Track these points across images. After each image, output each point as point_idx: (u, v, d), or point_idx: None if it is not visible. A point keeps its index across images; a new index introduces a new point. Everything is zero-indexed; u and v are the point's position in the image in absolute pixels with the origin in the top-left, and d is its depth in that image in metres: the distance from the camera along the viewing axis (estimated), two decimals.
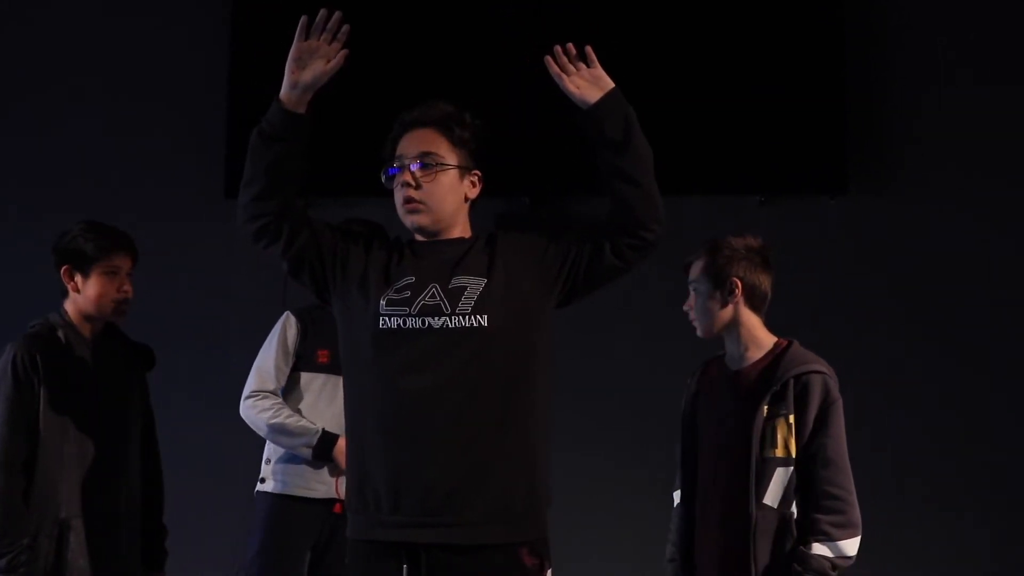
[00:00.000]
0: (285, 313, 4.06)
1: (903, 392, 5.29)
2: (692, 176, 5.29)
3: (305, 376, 3.98)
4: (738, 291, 3.12)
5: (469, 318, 2.77)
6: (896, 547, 5.08)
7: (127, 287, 3.40)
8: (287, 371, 3.99)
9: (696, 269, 3.19)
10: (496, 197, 5.69)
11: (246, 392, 3.98)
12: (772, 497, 2.97)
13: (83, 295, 3.36)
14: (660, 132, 5.34)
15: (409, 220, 2.91)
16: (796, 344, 3.13)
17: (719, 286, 3.13)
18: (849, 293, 5.39)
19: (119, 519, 3.35)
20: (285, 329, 4.01)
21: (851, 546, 2.93)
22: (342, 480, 3.87)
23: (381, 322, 2.78)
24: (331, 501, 3.96)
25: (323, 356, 3.98)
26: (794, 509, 2.98)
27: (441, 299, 2.79)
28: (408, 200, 2.89)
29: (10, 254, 5.57)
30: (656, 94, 5.32)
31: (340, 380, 3.90)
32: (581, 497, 5.09)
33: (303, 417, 3.93)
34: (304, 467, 3.92)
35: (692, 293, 3.21)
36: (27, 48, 5.67)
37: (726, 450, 3.06)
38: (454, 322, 2.77)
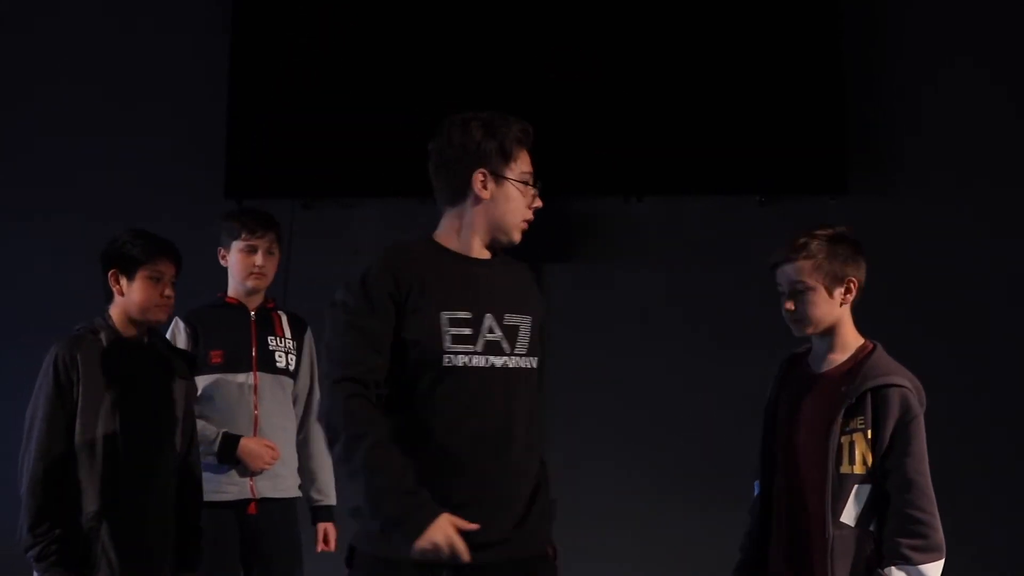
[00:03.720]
0: (174, 319, 3.96)
1: None
2: (692, 176, 5.30)
3: (200, 380, 3.88)
4: (854, 290, 2.94)
5: (525, 359, 2.86)
6: None
7: (169, 292, 3.53)
8: None
9: (806, 268, 2.91)
10: None
11: None
12: (850, 516, 2.83)
13: (127, 298, 3.48)
14: (660, 132, 5.39)
15: (520, 236, 2.96)
16: (880, 350, 2.95)
17: (836, 285, 2.92)
18: None
19: (148, 518, 3.43)
20: (175, 336, 3.95)
21: (934, 570, 2.79)
22: (256, 480, 3.88)
23: (446, 360, 2.77)
24: (246, 502, 3.89)
25: (216, 357, 3.93)
26: (873, 527, 2.85)
27: (502, 336, 2.83)
28: (528, 220, 2.97)
29: (9, 254, 5.59)
30: (656, 94, 5.34)
31: (235, 377, 3.90)
32: (581, 498, 5.10)
33: (204, 422, 3.84)
34: (212, 472, 3.83)
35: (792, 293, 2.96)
36: (28, 50, 5.67)
37: (799, 461, 2.92)
38: (513, 363, 2.83)
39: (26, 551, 3.28)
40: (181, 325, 3.97)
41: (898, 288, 5.34)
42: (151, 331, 3.58)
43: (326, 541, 4.08)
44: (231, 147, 5.40)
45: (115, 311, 3.50)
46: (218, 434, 3.85)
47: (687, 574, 5.03)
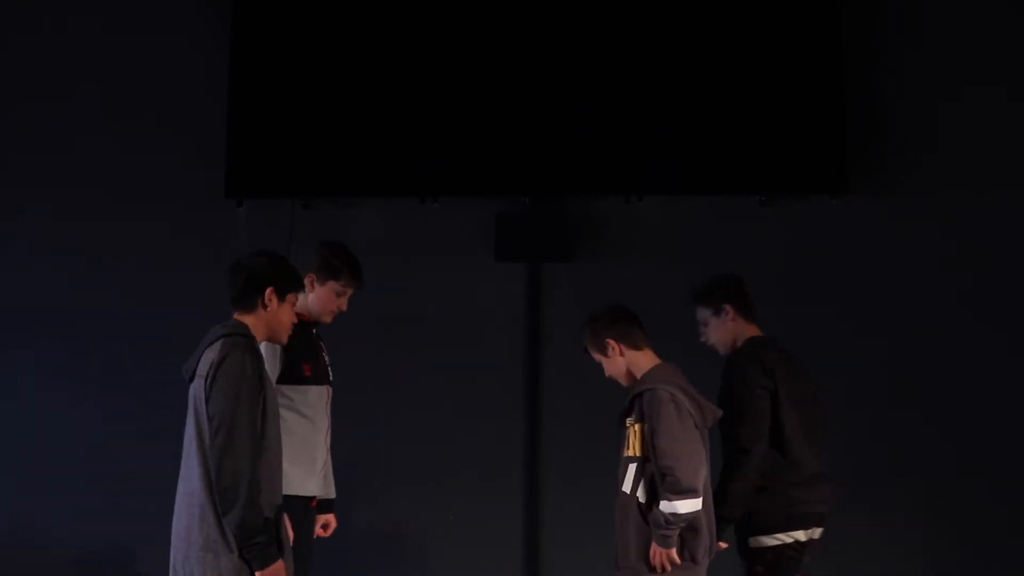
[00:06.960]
0: None
1: (902, 389, 5.28)
2: (692, 176, 5.30)
3: (291, 390, 3.96)
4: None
5: None
6: (896, 546, 5.09)
7: (295, 318, 3.65)
8: None
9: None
10: (496, 197, 5.71)
11: None
12: (627, 486, 3.71)
13: (273, 316, 3.54)
14: (661, 132, 5.39)
15: None
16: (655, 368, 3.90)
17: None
18: (850, 292, 5.39)
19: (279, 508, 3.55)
20: (266, 348, 3.87)
21: (685, 506, 3.58)
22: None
23: None
24: (310, 498, 4.03)
25: (308, 369, 4.01)
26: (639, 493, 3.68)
27: None
28: None
29: (10, 254, 5.59)
30: (657, 95, 5.34)
31: (319, 389, 4.01)
32: (582, 499, 5.09)
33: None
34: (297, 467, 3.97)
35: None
36: (28, 51, 5.68)
37: None
38: None
39: (252, 537, 3.31)
40: None
41: (899, 287, 5.34)
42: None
43: (324, 529, 4.24)
44: (231, 147, 5.40)
45: (254, 323, 3.53)
46: None
47: None
